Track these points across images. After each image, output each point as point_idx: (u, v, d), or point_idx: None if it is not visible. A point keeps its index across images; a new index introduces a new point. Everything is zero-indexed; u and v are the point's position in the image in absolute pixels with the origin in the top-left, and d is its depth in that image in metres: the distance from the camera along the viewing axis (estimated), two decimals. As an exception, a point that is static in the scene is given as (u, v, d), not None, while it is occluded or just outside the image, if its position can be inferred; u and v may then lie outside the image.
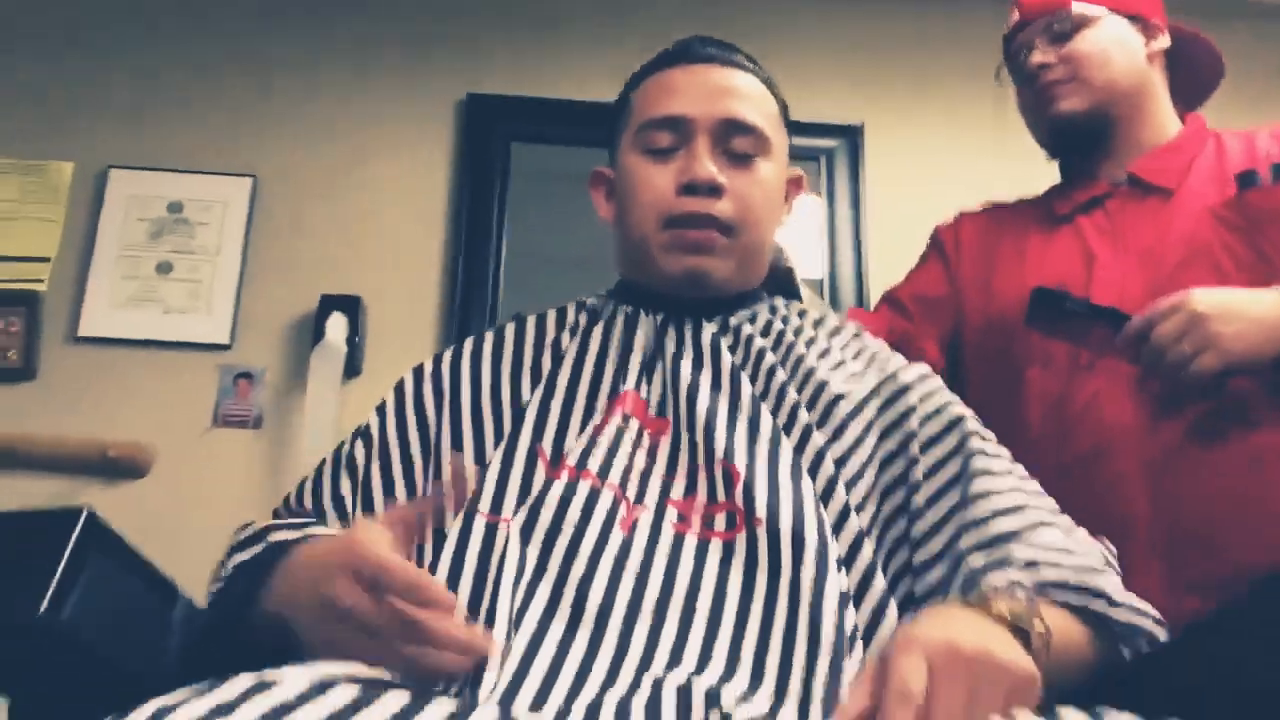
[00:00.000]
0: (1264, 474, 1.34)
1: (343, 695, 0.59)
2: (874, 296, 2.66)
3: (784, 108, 1.21)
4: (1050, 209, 1.65)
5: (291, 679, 0.59)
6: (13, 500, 2.21)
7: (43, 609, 0.60)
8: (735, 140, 1.12)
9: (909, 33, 2.97)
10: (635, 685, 0.78)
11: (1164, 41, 1.62)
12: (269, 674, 0.60)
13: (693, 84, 1.14)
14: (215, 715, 0.54)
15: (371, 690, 0.61)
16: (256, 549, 0.92)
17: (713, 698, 0.75)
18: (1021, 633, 0.77)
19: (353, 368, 2.47)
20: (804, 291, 1.43)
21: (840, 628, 0.86)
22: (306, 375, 2.42)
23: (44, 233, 2.54)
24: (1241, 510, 1.34)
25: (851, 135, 2.86)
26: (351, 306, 2.49)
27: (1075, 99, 1.57)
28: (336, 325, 2.46)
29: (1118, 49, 1.57)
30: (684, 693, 0.76)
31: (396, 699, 0.61)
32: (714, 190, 1.08)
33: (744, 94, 1.14)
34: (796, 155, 2.76)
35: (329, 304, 2.50)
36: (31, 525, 0.65)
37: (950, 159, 2.86)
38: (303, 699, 0.57)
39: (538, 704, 0.77)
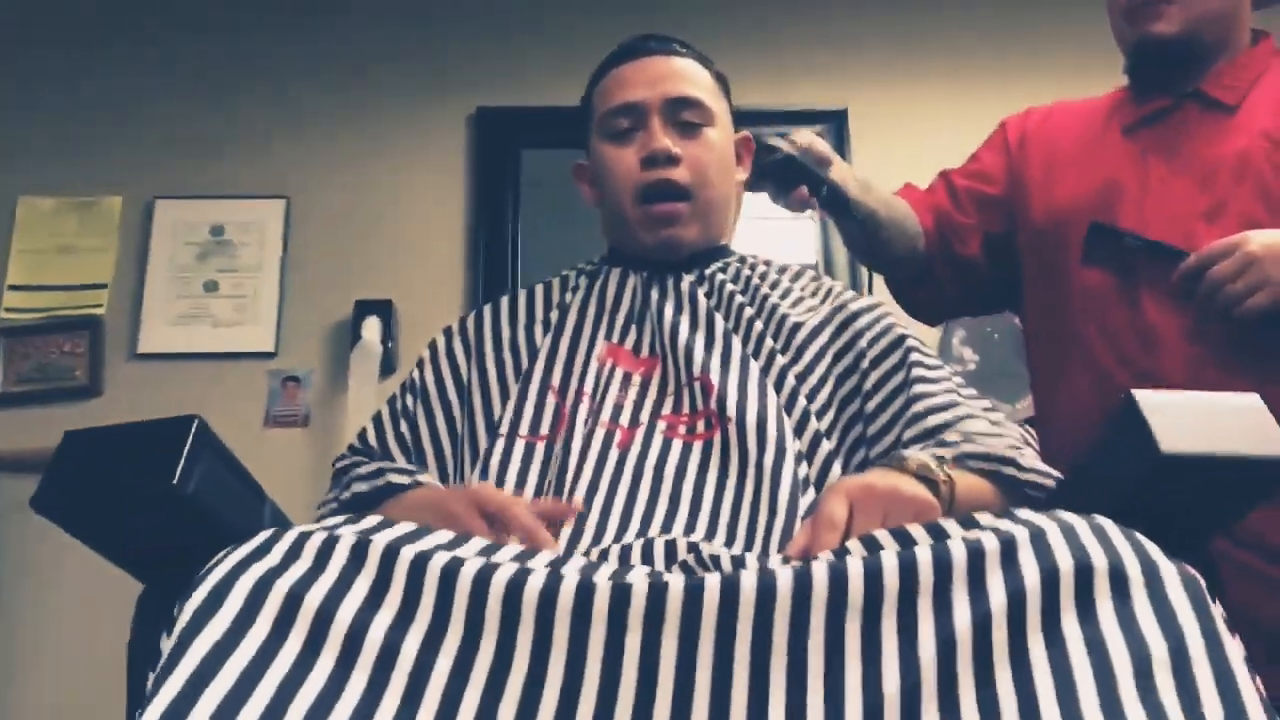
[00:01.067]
0: None
1: (446, 534, 0.79)
2: (866, 276, 2.81)
3: (721, 78, 1.39)
4: (1116, 116, 1.65)
5: (407, 524, 0.79)
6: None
7: (175, 479, 0.80)
8: (682, 114, 1.31)
9: (888, 15, 3.12)
10: (631, 544, 0.99)
11: None
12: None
13: (640, 74, 1.33)
14: (366, 533, 0.73)
15: (464, 536, 0.81)
16: (376, 483, 1.15)
17: (693, 547, 0.96)
18: (931, 483, 0.97)
19: (388, 365, 2.68)
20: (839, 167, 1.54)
21: (793, 502, 1.06)
22: (347, 375, 2.63)
23: (100, 261, 2.77)
24: None
25: (836, 120, 2.99)
26: (384, 310, 2.70)
27: (1171, 22, 1.54)
28: (371, 328, 2.67)
29: None
30: (670, 544, 0.96)
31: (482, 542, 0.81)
32: (670, 159, 1.27)
33: (683, 74, 1.33)
34: (784, 141, 2.91)
35: (363, 309, 2.70)
36: (154, 428, 0.86)
37: (936, 138, 2.98)
38: (420, 531, 0.77)
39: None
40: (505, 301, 1.36)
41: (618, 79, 1.34)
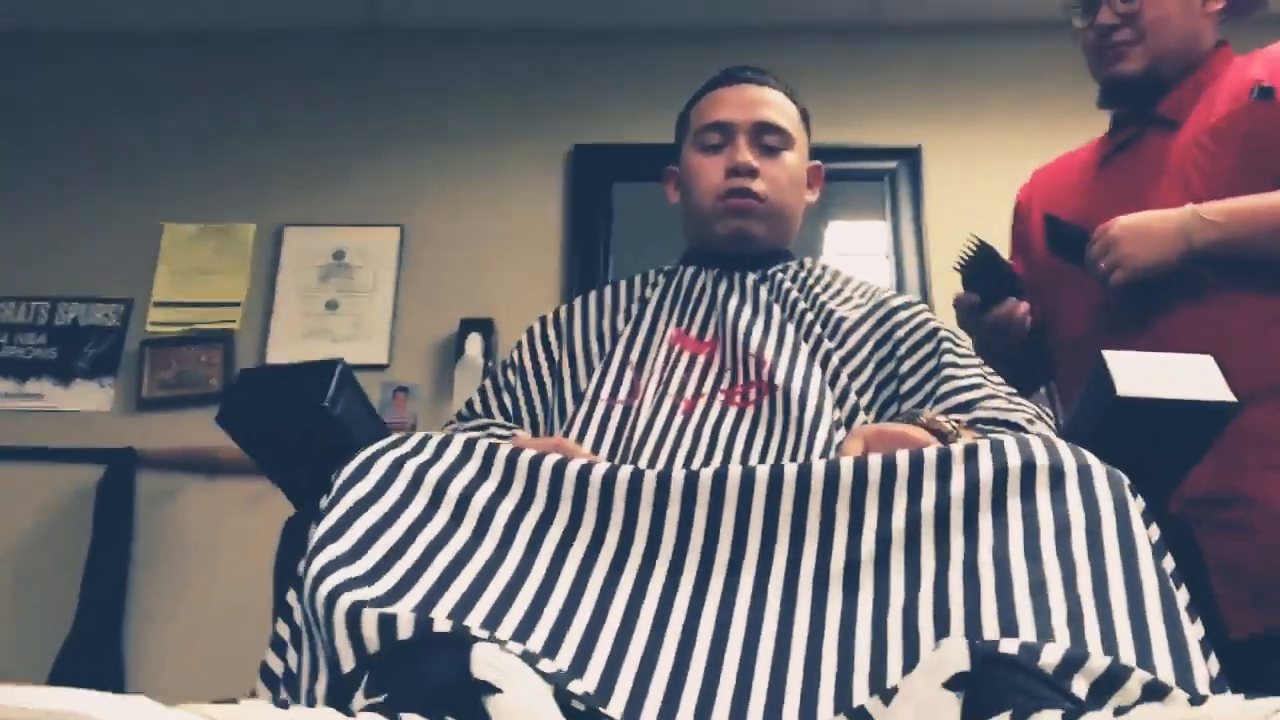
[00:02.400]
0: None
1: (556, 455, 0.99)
2: (939, 309, 2.95)
3: (804, 112, 1.59)
4: (1097, 152, 1.80)
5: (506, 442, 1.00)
6: (220, 500, 2.70)
7: (326, 401, 1.03)
8: (766, 137, 1.51)
9: (959, 60, 3.30)
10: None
11: (1222, 2, 1.71)
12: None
13: (734, 98, 1.54)
14: (473, 439, 0.95)
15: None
16: (479, 435, 1.37)
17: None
18: (939, 434, 1.15)
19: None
20: None
21: (828, 450, 1.25)
22: (452, 386, 2.88)
23: (234, 282, 3.07)
24: None
25: (911, 156, 3.17)
26: (486, 328, 2.94)
27: (1134, 62, 1.68)
28: (474, 344, 2.91)
29: (1179, 14, 1.68)
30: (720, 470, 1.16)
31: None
32: (751, 172, 1.48)
33: (771, 103, 1.54)
34: (860, 177, 3.14)
35: (467, 326, 2.94)
36: (310, 366, 1.08)
37: (1008, 176, 3.12)
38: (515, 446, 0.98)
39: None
40: (593, 295, 1.58)
41: (715, 100, 1.55)
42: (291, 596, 0.82)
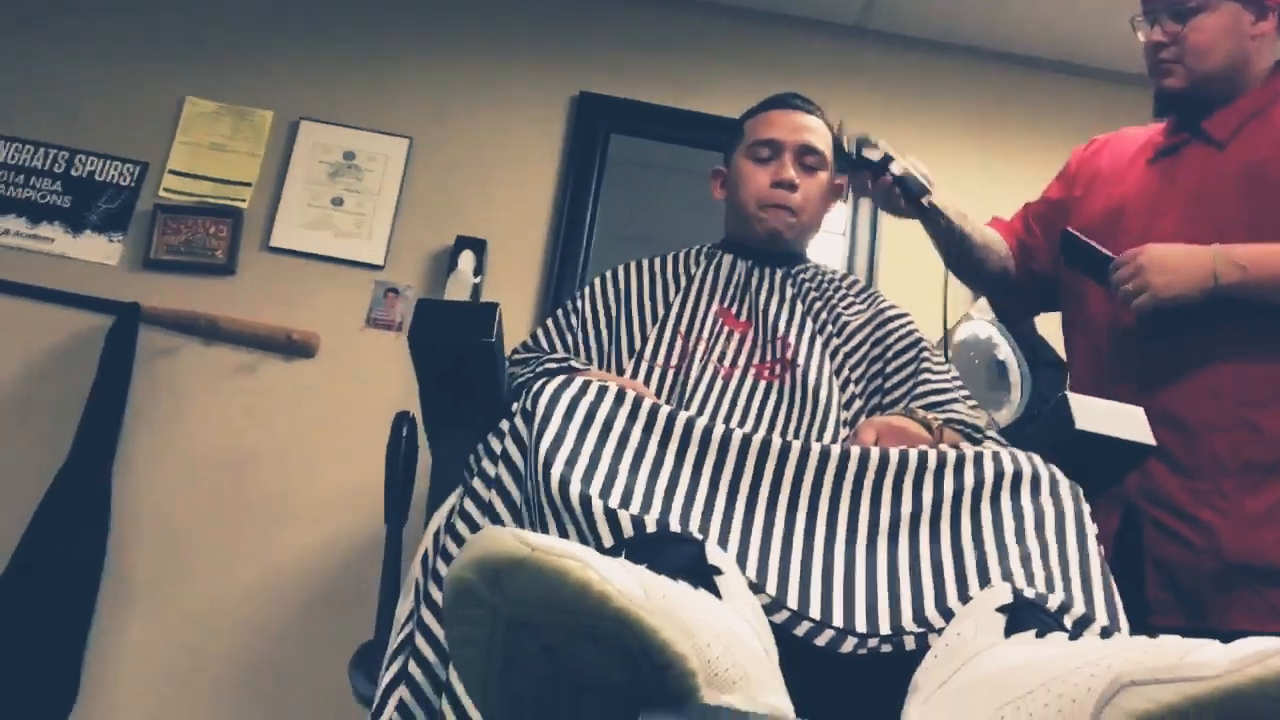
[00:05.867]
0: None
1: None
2: (886, 283, 3.28)
3: (836, 141, 1.93)
4: (1148, 147, 1.93)
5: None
6: (219, 366, 2.93)
7: (492, 337, 1.33)
8: (807, 158, 1.85)
9: (926, 74, 3.62)
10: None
11: (1272, 23, 1.81)
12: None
13: (785, 121, 1.87)
14: (605, 386, 1.27)
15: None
16: (563, 364, 1.67)
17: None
18: (927, 428, 1.52)
19: (475, 296, 3.18)
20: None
21: (836, 426, 1.61)
22: (442, 296, 3.14)
23: (248, 163, 3.26)
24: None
25: (876, 155, 3.52)
26: (479, 247, 3.18)
27: (1178, 78, 1.81)
28: (467, 260, 3.16)
29: (1224, 38, 1.78)
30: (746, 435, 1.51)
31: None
32: (792, 186, 1.82)
33: (815, 130, 1.88)
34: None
35: (462, 243, 3.18)
36: (475, 306, 1.39)
37: (955, 178, 3.49)
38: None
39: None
40: (646, 263, 1.90)
41: (768, 120, 1.88)
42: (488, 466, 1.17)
